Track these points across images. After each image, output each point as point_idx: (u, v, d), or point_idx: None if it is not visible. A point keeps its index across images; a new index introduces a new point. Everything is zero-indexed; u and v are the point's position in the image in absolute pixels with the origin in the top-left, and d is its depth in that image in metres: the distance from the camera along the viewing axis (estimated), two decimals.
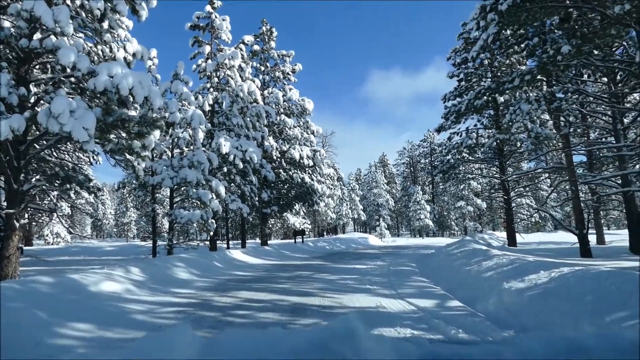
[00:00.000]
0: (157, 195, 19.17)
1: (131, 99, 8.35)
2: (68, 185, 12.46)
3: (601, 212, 23.30)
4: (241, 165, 17.96)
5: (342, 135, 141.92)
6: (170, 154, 16.69)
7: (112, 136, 9.09)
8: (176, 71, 16.51)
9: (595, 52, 12.27)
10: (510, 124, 16.76)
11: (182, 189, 17.05)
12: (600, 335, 1.46)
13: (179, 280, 10.27)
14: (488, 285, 7.48)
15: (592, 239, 16.24)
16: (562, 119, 15.22)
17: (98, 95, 8.56)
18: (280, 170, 24.27)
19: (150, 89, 8.56)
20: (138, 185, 16.34)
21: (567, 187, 22.57)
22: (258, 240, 31.45)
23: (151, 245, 16.78)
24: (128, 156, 9.96)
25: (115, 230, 72.30)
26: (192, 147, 16.42)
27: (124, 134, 9.13)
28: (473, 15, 13.61)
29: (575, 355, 1.41)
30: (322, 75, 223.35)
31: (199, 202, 15.69)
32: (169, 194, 17.16)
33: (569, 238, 22.23)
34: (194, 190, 15.29)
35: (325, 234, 52.12)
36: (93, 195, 14.80)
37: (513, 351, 1.46)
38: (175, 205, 16.80)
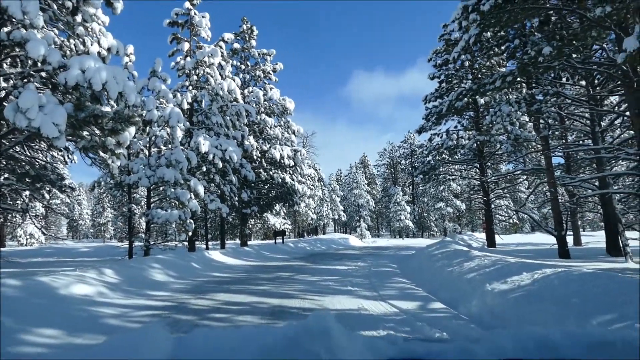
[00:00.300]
0: (134, 195, 18.74)
1: (105, 94, 8.04)
2: (39, 184, 11.99)
3: (578, 213, 23.64)
4: (220, 165, 17.65)
5: (324, 136, 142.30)
6: (147, 153, 16.27)
7: (85, 133, 8.74)
8: (154, 68, 16.09)
9: (574, 55, 12.40)
10: (491, 125, 16.89)
11: (160, 188, 16.64)
12: (568, 333, 1.50)
13: (155, 283, 9.96)
14: (470, 287, 7.39)
15: (569, 240, 16.43)
16: (541, 121, 15.37)
17: (70, 91, 8.22)
18: (261, 170, 23.99)
19: (126, 84, 8.27)
20: (114, 185, 15.91)
21: (544, 189, 22.90)
22: (238, 241, 31.07)
23: (128, 246, 16.33)
24: (102, 154, 9.60)
25: (91, 230, 70.69)
26: (170, 146, 16.05)
27: (97, 131, 8.79)
28: (455, 16, 13.66)
29: (543, 352, 1.47)
30: (305, 74, 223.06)
31: (177, 202, 15.32)
32: (146, 193, 16.74)
33: (546, 239, 22.57)
34: (172, 189, 14.93)
35: (305, 234, 51.86)
36: (66, 194, 14.34)
37: (485, 348, 1.47)
38: (152, 205, 16.38)
